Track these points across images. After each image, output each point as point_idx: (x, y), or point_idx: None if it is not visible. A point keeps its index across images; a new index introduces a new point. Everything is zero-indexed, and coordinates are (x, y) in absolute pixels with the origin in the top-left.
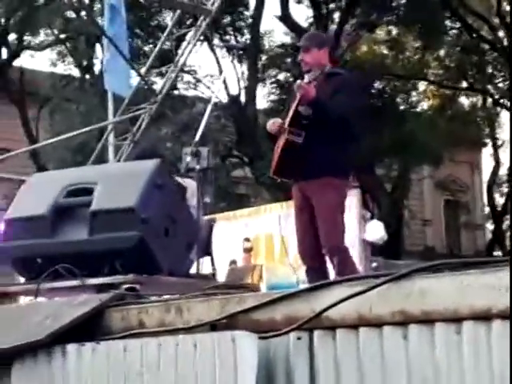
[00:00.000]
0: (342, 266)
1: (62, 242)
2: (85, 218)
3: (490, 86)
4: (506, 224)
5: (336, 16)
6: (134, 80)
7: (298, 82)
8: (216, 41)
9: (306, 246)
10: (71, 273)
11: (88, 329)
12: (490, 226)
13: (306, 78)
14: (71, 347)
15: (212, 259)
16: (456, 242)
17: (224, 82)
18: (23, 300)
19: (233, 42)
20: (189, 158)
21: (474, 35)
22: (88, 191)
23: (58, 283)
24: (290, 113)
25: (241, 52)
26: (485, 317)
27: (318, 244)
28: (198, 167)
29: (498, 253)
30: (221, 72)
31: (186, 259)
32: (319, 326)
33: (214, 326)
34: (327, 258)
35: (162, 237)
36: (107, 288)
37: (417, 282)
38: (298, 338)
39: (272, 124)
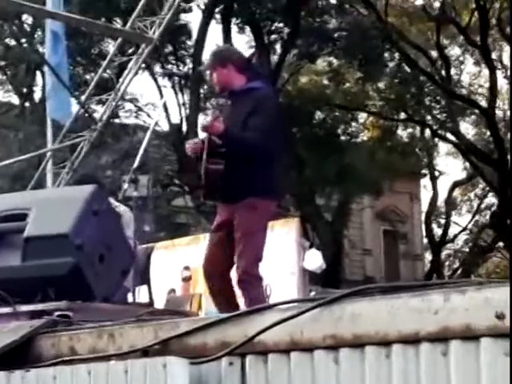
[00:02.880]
0: (249, 293)
1: None
2: (18, 244)
3: (428, 117)
4: (444, 254)
5: (278, 46)
6: (75, 108)
7: (202, 121)
8: (157, 68)
9: (213, 264)
10: (3, 300)
11: (18, 356)
12: (428, 256)
13: (210, 113)
14: (0, 375)
15: (149, 287)
16: (395, 272)
17: (165, 108)
18: None
19: (175, 69)
20: (126, 186)
21: (413, 67)
22: (22, 217)
23: None
24: (206, 144)
25: (182, 81)
26: (413, 340)
27: (228, 263)
28: (136, 194)
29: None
30: (161, 96)
31: (120, 286)
32: (251, 351)
33: (146, 352)
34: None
35: (96, 263)
36: (40, 315)
37: (348, 305)
38: (230, 363)
39: (193, 145)
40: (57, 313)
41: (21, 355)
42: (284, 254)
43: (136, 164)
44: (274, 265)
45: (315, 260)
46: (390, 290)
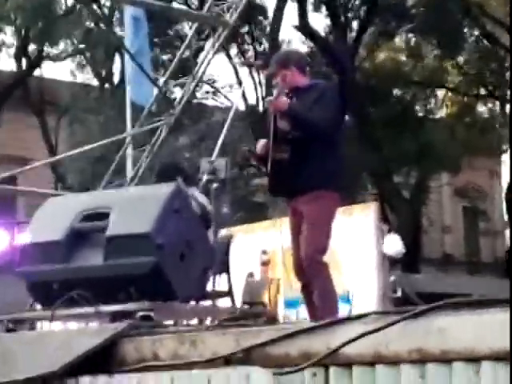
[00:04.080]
0: (316, 280)
1: (78, 267)
2: (100, 243)
3: (508, 93)
4: None
5: (354, 25)
6: (154, 91)
7: (268, 98)
8: (234, 49)
9: (298, 263)
10: (86, 300)
11: (102, 360)
12: (508, 233)
13: (274, 92)
14: (84, 380)
15: (229, 276)
16: (475, 249)
17: (242, 91)
18: (39, 326)
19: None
20: (206, 173)
21: (493, 42)
22: (103, 216)
23: (72, 310)
24: (271, 130)
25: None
26: (504, 357)
27: None
28: (215, 178)
29: None
30: (239, 82)
31: (202, 283)
32: (335, 363)
33: (228, 360)
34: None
35: (177, 262)
36: (122, 315)
37: (434, 319)
38: (314, 375)
39: (260, 146)
40: (139, 313)
41: (104, 359)
42: (363, 239)
43: (216, 150)
44: (352, 250)
45: (394, 244)
46: (477, 304)
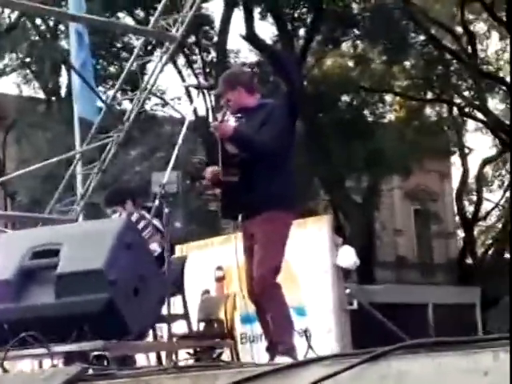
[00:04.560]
0: (269, 304)
1: (29, 306)
2: (51, 280)
3: (455, 96)
4: (476, 231)
5: (301, 32)
6: (101, 104)
7: (212, 123)
8: (181, 59)
9: (252, 285)
10: (37, 340)
11: None
12: (461, 234)
13: (219, 117)
14: None
15: (184, 298)
16: (428, 251)
17: (190, 100)
18: None
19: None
20: (158, 187)
21: (439, 46)
22: (54, 253)
23: (24, 351)
24: (219, 154)
25: (207, 70)
26: None
27: None
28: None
29: (469, 261)
30: (188, 93)
31: (157, 315)
32: None
33: None
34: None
35: (131, 297)
36: (76, 356)
37: (393, 362)
38: None
39: (209, 173)
40: (93, 353)
41: None
42: (317, 252)
43: (171, 166)
44: (307, 263)
45: (349, 256)
46: (436, 346)
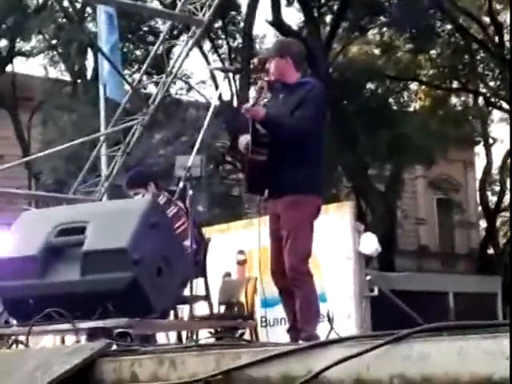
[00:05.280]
0: (299, 291)
1: (54, 283)
2: (76, 258)
3: (481, 85)
4: (499, 222)
5: (328, 19)
6: (128, 86)
7: (245, 105)
8: (207, 44)
9: (277, 267)
10: (62, 316)
11: (79, 381)
12: (483, 224)
13: (251, 100)
14: None
15: (206, 280)
16: (449, 241)
17: (216, 85)
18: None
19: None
20: (182, 171)
21: (466, 35)
22: (80, 230)
23: (49, 326)
24: (250, 132)
25: (232, 55)
26: None
27: None
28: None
29: (490, 251)
30: (213, 77)
31: (180, 297)
32: None
33: (207, 383)
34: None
35: (154, 277)
36: (99, 331)
37: (416, 344)
38: None
39: (243, 143)
40: (116, 330)
41: (82, 380)
42: (339, 239)
43: (195, 151)
44: (329, 250)
45: (370, 243)
46: (459, 329)
